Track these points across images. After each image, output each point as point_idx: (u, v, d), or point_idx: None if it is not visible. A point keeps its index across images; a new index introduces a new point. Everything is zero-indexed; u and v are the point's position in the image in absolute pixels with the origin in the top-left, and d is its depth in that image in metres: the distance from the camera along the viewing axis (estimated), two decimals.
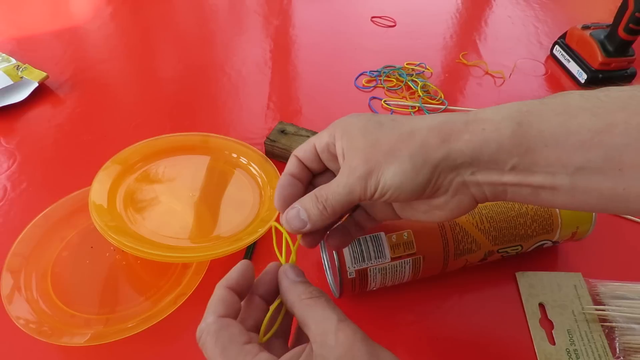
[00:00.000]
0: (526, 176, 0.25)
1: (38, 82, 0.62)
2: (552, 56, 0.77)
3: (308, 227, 0.28)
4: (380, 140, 0.27)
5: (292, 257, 0.29)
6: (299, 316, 0.26)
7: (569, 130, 0.23)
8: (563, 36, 0.75)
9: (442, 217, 0.29)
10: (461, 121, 0.26)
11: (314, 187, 0.30)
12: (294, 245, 0.30)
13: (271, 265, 0.29)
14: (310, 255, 0.45)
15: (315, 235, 0.31)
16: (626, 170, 0.23)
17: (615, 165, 0.23)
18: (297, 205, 0.29)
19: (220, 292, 0.26)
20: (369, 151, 0.27)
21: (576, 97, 0.25)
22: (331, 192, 0.28)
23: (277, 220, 0.31)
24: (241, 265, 0.28)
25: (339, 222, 0.34)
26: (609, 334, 0.40)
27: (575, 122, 0.23)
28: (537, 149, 0.24)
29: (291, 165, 0.31)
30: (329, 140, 0.29)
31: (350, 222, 0.34)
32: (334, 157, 0.30)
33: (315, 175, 0.32)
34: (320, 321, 0.25)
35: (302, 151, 0.31)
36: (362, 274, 0.38)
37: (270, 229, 0.43)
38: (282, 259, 0.29)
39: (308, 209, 0.28)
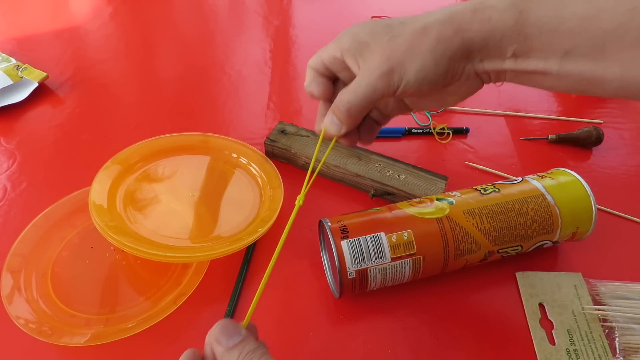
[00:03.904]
0: (523, 61, 0.28)
1: (38, 82, 0.62)
2: None
3: (343, 129, 0.32)
4: (395, 38, 0.29)
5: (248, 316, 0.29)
6: None
7: (562, 17, 0.25)
8: None
9: (453, 101, 0.32)
10: (468, 10, 0.28)
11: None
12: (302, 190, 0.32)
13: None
14: (311, 255, 0.45)
15: (351, 135, 0.34)
16: (608, 53, 0.25)
17: (598, 49, 0.25)
18: (329, 113, 0.32)
19: None
20: (386, 49, 0.29)
21: None
22: (352, 92, 0.30)
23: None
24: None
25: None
26: (609, 334, 0.40)
27: (568, 9, 0.25)
28: (533, 36, 0.26)
29: (309, 76, 0.34)
30: (334, 52, 0.31)
31: (367, 119, 0.36)
32: (343, 67, 0.32)
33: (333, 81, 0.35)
34: None
35: (315, 63, 0.33)
36: (362, 275, 0.38)
37: (269, 229, 0.43)
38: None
39: (337, 113, 0.32)
